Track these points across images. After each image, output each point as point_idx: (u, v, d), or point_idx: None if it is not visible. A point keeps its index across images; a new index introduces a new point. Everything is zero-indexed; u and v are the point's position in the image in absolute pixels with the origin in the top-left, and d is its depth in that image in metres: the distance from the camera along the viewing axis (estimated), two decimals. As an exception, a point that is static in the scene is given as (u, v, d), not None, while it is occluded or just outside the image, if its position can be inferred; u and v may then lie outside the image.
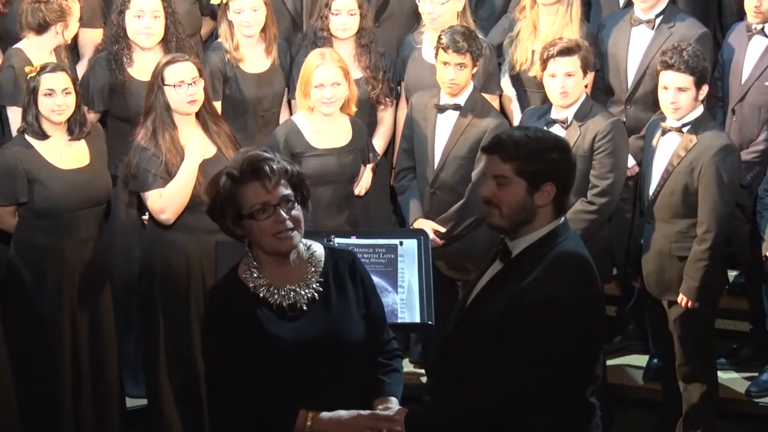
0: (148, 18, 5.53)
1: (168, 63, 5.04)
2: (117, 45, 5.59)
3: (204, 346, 3.66)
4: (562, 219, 3.43)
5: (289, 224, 3.44)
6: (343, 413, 3.49)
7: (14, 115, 5.44)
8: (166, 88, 5.02)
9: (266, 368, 3.48)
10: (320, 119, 5.36)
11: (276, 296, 3.50)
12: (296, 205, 3.49)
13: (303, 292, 3.52)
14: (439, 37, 5.38)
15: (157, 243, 5.15)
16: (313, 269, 3.56)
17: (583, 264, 3.39)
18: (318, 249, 3.61)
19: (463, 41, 5.30)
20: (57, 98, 4.98)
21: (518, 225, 3.39)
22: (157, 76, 5.03)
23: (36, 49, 5.48)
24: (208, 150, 5.14)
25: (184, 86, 5.02)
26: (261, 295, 3.50)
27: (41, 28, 5.45)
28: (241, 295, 3.51)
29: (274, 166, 3.45)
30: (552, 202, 3.38)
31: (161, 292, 5.15)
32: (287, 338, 3.48)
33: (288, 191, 3.47)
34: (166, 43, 5.61)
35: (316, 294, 3.53)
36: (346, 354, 3.56)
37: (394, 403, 3.59)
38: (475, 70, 5.44)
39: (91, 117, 5.45)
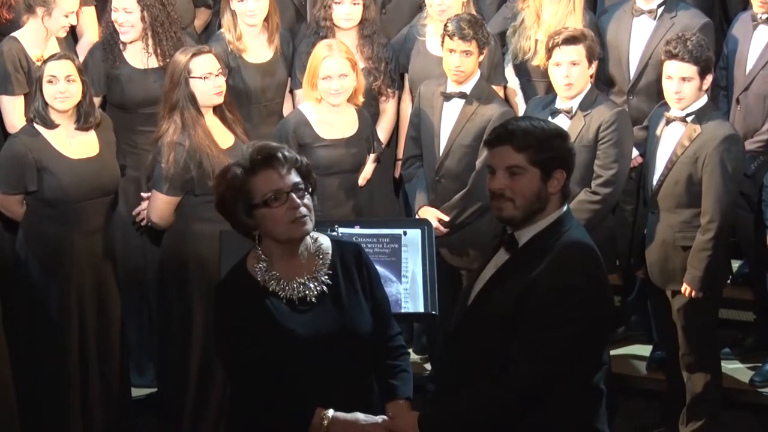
0: (121, 13, 5.56)
1: (194, 55, 5.05)
2: (111, 34, 5.62)
3: (216, 343, 3.63)
4: (566, 207, 3.44)
5: (303, 210, 3.45)
6: (360, 416, 3.49)
7: (7, 104, 5.45)
8: (193, 80, 5.02)
9: (279, 362, 3.47)
10: (328, 110, 5.36)
11: (286, 289, 3.49)
12: (306, 194, 3.49)
13: (312, 286, 3.52)
14: (445, 25, 5.37)
15: (188, 235, 5.13)
16: (321, 262, 3.56)
17: (591, 253, 3.40)
18: (325, 241, 3.61)
19: (469, 28, 5.30)
20: (59, 85, 4.98)
21: (531, 215, 3.39)
22: (183, 69, 5.02)
23: (30, 37, 5.48)
24: (227, 139, 5.15)
25: (212, 78, 5.04)
26: (271, 288, 3.50)
27: (28, 10, 5.46)
28: (250, 289, 3.50)
29: (286, 154, 3.47)
30: (563, 190, 3.41)
31: (194, 283, 5.13)
32: (300, 332, 3.47)
33: (298, 179, 3.47)
34: (145, 33, 5.60)
35: (325, 287, 3.53)
36: (356, 347, 3.55)
37: (406, 407, 3.59)
38: (481, 57, 5.43)
39: (92, 103, 5.46)
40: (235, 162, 3.50)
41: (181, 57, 5.08)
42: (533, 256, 3.35)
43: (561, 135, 3.44)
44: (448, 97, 5.48)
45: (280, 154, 3.45)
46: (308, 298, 3.51)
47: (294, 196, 3.44)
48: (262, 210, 3.44)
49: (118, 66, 5.60)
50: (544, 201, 3.38)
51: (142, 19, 5.56)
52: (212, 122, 5.14)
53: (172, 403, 5.31)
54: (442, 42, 5.40)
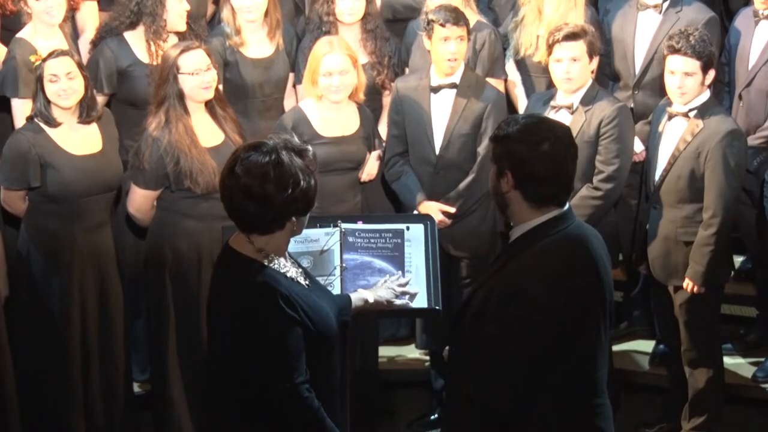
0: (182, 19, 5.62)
1: (182, 51, 5.06)
2: (117, 27, 5.61)
3: (278, 354, 3.32)
4: (565, 208, 3.35)
5: None
6: None
7: (17, 107, 5.45)
8: (182, 76, 5.04)
9: (323, 349, 3.43)
10: (328, 107, 5.35)
11: (297, 274, 3.47)
12: None
13: (297, 266, 3.53)
14: (431, 18, 5.30)
15: (167, 229, 5.15)
16: None
17: (569, 254, 3.27)
18: None
19: (458, 14, 5.29)
20: (61, 83, 4.99)
21: (501, 207, 3.38)
22: (172, 65, 5.04)
23: (35, 33, 5.48)
24: (216, 137, 5.15)
25: (201, 73, 5.05)
26: (292, 276, 3.45)
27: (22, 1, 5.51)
28: (286, 284, 3.40)
29: None
30: (518, 191, 3.30)
31: (171, 279, 5.15)
32: (329, 311, 3.48)
33: None
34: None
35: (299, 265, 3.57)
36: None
37: None
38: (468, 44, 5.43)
39: (99, 100, 5.44)
40: (307, 168, 3.40)
41: (171, 52, 5.10)
42: (512, 256, 3.31)
43: (518, 139, 3.27)
44: (436, 89, 5.45)
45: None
46: (305, 277, 3.51)
47: None
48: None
49: (127, 62, 5.60)
50: (502, 197, 3.34)
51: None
52: (202, 119, 5.14)
53: (156, 398, 5.34)
54: (431, 35, 5.32)
